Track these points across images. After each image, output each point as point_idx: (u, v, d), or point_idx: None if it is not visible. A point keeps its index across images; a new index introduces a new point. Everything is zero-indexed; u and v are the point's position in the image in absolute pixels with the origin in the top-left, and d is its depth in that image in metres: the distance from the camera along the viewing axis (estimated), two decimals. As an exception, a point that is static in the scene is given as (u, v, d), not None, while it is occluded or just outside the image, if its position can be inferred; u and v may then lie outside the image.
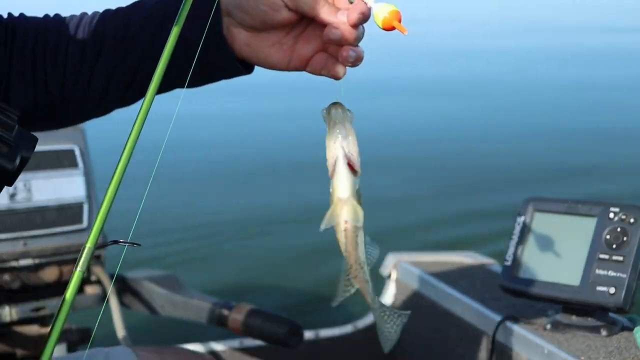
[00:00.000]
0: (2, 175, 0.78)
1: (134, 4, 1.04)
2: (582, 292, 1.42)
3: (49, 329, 1.36)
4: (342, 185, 0.71)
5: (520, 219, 1.53)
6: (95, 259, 1.73)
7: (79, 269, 0.72)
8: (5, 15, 0.92)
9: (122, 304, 1.69)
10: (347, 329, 1.96)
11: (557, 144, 5.31)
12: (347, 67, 0.85)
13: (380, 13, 0.77)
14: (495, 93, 7.85)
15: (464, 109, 6.75)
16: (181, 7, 0.79)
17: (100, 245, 1.09)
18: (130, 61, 0.99)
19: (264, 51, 0.92)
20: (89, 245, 0.74)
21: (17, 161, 0.79)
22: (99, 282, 1.69)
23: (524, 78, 8.80)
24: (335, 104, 0.76)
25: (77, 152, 1.73)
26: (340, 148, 0.72)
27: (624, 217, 1.42)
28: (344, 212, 0.71)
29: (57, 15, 1.13)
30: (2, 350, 1.65)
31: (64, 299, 0.71)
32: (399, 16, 0.77)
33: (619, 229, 1.40)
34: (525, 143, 5.38)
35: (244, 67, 0.96)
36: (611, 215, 1.42)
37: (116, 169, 0.76)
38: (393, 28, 0.76)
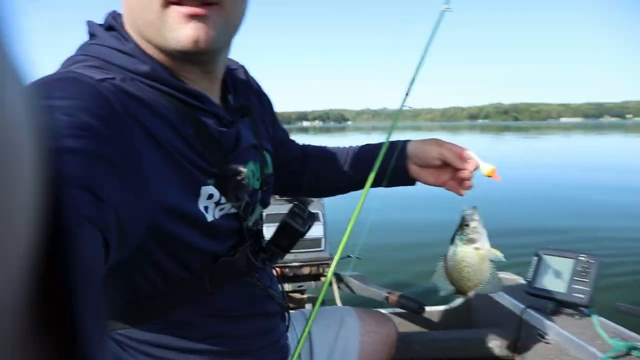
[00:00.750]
0: (300, 235, 1.11)
1: (361, 154, 1.38)
2: (567, 296, 2.14)
3: (305, 296, 2.69)
4: (485, 243, 1.23)
5: (535, 257, 2.30)
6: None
7: (331, 269, 1.34)
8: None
9: (338, 287, 2.61)
10: (446, 307, 2.72)
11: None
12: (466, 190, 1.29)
13: (485, 168, 1.24)
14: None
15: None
16: (380, 155, 1.25)
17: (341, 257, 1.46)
18: (360, 182, 1.35)
19: (424, 176, 1.33)
20: (335, 258, 1.34)
21: (307, 228, 1.11)
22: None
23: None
24: (474, 208, 1.24)
25: (321, 214, 2.61)
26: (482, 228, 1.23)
27: (587, 259, 2.20)
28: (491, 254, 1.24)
29: (322, 149, 1.46)
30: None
31: (324, 283, 1.36)
32: (495, 171, 1.24)
33: (585, 265, 2.18)
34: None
35: (412, 182, 1.36)
36: (581, 258, 2.21)
37: (348, 226, 1.30)
38: (490, 176, 1.23)
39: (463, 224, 1.24)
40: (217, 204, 0.91)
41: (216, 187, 0.90)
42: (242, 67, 1.15)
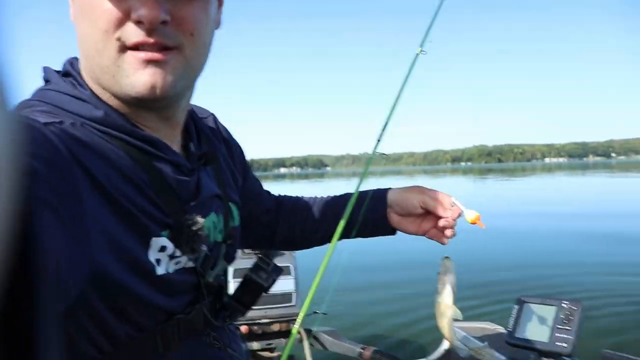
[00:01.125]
0: (263, 290, 1.09)
1: (339, 203, 1.35)
2: (549, 345, 2.08)
3: (275, 354, 2.58)
4: (448, 298, 1.20)
5: (516, 306, 2.24)
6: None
7: (296, 326, 1.32)
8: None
9: (310, 344, 2.52)
10: None
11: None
12: (448, 239, 1.27)
13: (469, 215, 1.22)
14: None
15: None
16: (349, 205, 1.24)
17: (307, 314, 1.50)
18: (330, 233, 1.33)
19: (405, 225, 1.32)
20: (300, 315, 1.32)
21: (271, 282, 1.10)
22: (299, 333, 2.50)
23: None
24: (447, 257, 1.22)
25: (292, 267, 2.58)
26: (449, 281, 1.20)
27: (570, 306, 2.12)
28: (450, 311, 1.21)
29: (297, 199, 1.43)
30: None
31: (288, 341, 1.32)
32: (480, 218, 1.22)
33: (567, 312, 2.11)
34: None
35: (392, 231, 1.35)
36: (563, 305, 2.14)
37: (315, 281, 1.29)
38: (475, 223, 1.21)
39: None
40: (172, 257, 0.87)
41: (170, 239, 0.86)
42: (212, 115, 1.14)
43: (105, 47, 0.76)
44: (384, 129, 1.39)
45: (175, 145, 0.95)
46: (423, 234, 1.29)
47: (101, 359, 0.80)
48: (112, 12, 0.75)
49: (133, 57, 0.77)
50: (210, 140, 1.06)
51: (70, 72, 0.85)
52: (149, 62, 0.77)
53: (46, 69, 0.87)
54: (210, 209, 0.98)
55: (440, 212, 1.23)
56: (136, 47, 0.77)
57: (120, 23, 0.76)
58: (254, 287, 1.08)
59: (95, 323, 0.79)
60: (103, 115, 0.79)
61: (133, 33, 0.76)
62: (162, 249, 0.85)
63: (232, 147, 1.18)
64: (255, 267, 1.10)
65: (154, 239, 0.84)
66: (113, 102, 0.83)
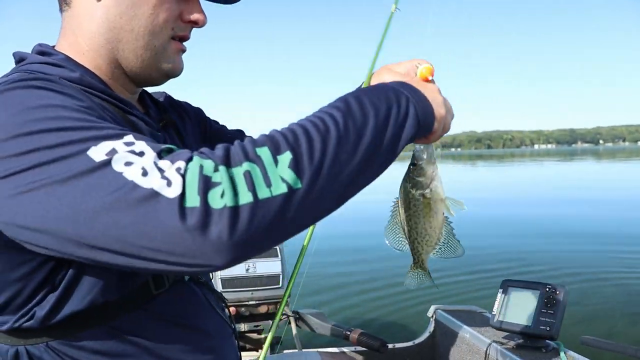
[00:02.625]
0: None
1: None
2: (534, 328, 2.15)
3: (262, 336, 2.61)
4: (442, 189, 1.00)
5: (501, 289, 2.29)
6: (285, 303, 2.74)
7: (280, 308, 1.14)
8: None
9: (297, 325, 2.55)
10: (409, 344, 2.71)
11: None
12: None
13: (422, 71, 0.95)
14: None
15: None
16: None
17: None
18: None
19: None
20: (285, 297, 1.15)
21: None
22: (286, 314, 2.56)
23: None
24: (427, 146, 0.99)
25: (278, 249, 2.57)
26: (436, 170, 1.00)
27: (553, 290, 2.17)
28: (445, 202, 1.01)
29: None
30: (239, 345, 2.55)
31: (273, 322, 1.14)
32: (431, 72, 0.94)
33: (551, 296, 2.16)
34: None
35: None
36: (547, 289, 2.19)
37: (297, 261, 1.14)
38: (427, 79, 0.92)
39: (410, 164, 1.02)
40: None
41: None
42: (164, 93, 1.24)
43: (161, 31, 0.95)
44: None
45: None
46: None
47: (104, 302, 0.85)
48: (175, 10, 0.96)
49: (175, 45, 0.98)
50: (166, 110, 1.16)
51: (42, 50, 0.95)
52: (182, 51, 1.00)
53: (17, 53, 0.97)
54: None
55: None
56: (181, 39, 0.99)
57: (175, 19, 0.97)
58: None
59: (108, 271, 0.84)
60: (79, 76, 0.89)
61: (184, 28, 0.99)
62: None
63: (189, 112, 1.27)
64: None
65: None
66: (103, 65, 0.96)
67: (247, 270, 2.52)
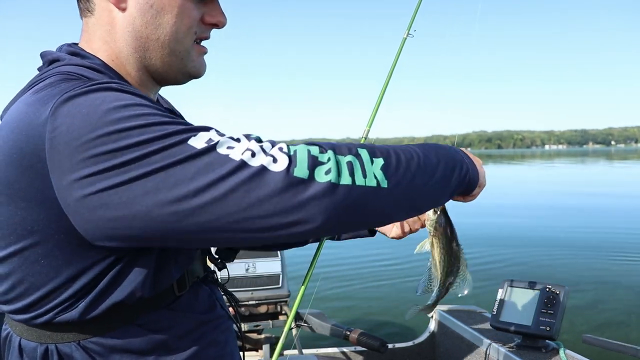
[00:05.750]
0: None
1: None
2: (533, 328, 2.16)
3: (262, 336, 2.59)
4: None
5: (501, 289, 2.29)
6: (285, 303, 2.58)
7: (289, 320, 1.09)
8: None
9: (297, 326, 2.53)
10: (409, 344, 2.72)
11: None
12: None
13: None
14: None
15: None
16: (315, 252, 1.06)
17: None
18: None
19: (384, 229, 1.47)
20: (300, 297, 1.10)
21: None
22: (286, 314, 2.55)
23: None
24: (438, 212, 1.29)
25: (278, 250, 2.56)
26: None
27: (553, 290, 2.18)
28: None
29: None
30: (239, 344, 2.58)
31: (282, 327, 1.26)
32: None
33: (551, 296, 2.16)
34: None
35: (372, 233, 1.48)
36: (547, 289, 2.19)
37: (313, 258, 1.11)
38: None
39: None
40: None
41: None
42: (163, 98, 1.25)
43: (185, 37, 0.98)
44: (374, 113, 1.37)
45: None
46: (404, 235, 1.41)
47: (138, 298, 0.88)
48: (197, 14, 0.99)
49: (198, 48, 1.02)
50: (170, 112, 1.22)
51: (76, 51, 0.97)
52: (204, 53, 1.04)
53: (48, 52, 0.98)
54: None
55: (415, 227, 1.39)
56: (201, 41, 1.02)
57: (198, 23, 1.00)
58: None
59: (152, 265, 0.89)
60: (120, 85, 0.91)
61: (206, 31, 1.02)
62: None
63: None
64: None
65: None
66: (132, 72, 0.99)
67: (247, 270, 2.52)
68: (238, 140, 0.76)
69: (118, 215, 0.74)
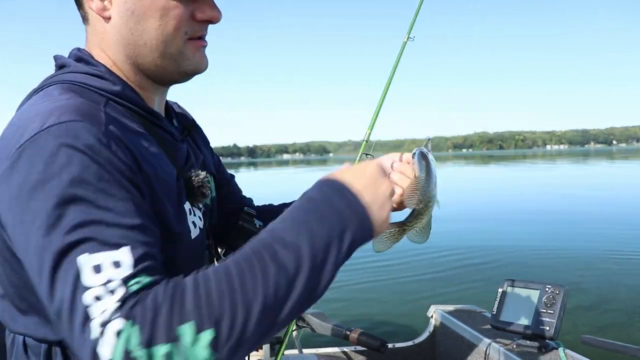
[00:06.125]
0: (254, 234, 0.94)
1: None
2: (533, 328, 2.15)
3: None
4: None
5: (500, 289, 2.29)
6: None
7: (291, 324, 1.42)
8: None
9: (297, 325, 2.50)
10: (409, 343, 2.71)
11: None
12: None
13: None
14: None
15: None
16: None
17: None
18: None
19: None
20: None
21: (259, 228, 1.26)
22: None
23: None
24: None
25: None
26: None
27: (553, 290, 2.17)
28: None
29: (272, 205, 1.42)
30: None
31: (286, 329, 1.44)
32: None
33: (551, 296, 2.16)
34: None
35: None
36: (547, 289, 2.18)
37: None
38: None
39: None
40: (194, 222, 1.00)
41: (189, 201, 1.01)
42: (176, 103, 1.25)
43: (174, 39, 0.95)
44: (376, 116, 1.39)
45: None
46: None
47: None
48: (184, 13, 0.95)
49: (192, 45, 0.97)
50: (184, 118, 1.21)
51: (82, 57, 0.98)
52: (202, 47, 1.00)
53: (59, 57, 1.00)
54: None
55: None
56: (199, 38, 0.98)
57: (187, 22, 0.96)
58: (245, 233, 1.23)
59: None
60: (121, 90, 0.93)
61: (199, 29, 0.98)
62: (190, 212, 0.99)
63: (198, 128, 1.29)
64: (244, 219, 1.26)
65: (186, 203, 0.98)
66: (131, 77, 0.99)
67: None
68: (113, 292, 0.68)
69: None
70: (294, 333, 2.54)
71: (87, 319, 0.67)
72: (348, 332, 2.34)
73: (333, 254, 0.75)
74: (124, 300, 0.68)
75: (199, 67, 1.02)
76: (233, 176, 1.41)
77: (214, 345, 0.67)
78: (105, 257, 0.70)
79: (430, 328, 2.74)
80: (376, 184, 0.84)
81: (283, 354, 2.14)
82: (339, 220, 0.77)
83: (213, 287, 0.70)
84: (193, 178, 1.02)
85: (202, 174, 1.03)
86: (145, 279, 0.70)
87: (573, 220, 10.83)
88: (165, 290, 0.69)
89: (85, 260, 0.69)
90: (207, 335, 0.67)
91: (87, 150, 0.77)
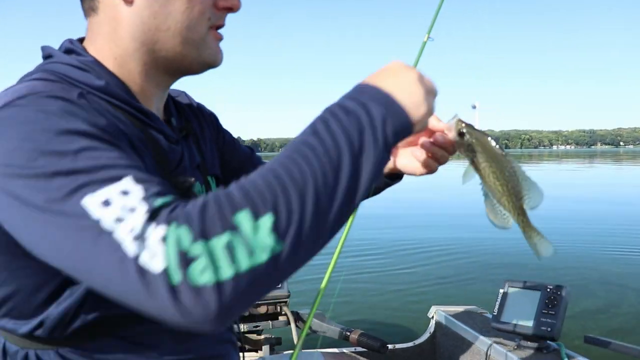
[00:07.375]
0: None
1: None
2: (534, 329, 2.14)
3: (262, 337, 2.57)
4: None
5: (501, 289, 2.28)
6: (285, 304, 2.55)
7: (309, 319, 1.12)
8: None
9: (297, 326, 2.50)
10: (410, 344, 2.71)
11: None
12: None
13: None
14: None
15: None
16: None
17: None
18: None
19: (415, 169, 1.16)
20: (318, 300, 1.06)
21: None
22: (286, 314, 2.51)
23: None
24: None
25: None
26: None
27: (555, 291, 2.16)
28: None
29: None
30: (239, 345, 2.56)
31: (300, 330, 1.47)
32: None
33: (552, 297, 2.15)
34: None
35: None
36: (548, 289, 2.18)
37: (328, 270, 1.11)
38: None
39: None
40: None
41: None
42: (183, 92, 1.23)
43: (198, 24, 0.93)
44: None
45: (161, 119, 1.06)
46: (435, 170, 1.17)
47: (115, 314, 0.85)
48: (208, 0, 0.94)
49: (213, 35, 0.97)
50: (187, 114, 1.16)
51: (72, 49, 0.95)
52: (220, 39, 0.98)
53: (46, 47, 0.96)
54: (193, 176, 1.03)
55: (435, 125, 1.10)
56: (216, 27, 0.96)
57: (210, 8, 0.95)
58: None
59: None
60: (104, 85, 0.89)
61: (220, 16, 0.98)
62: None
63: (206, 117, 1.25)
64: None
65: None
66: (133, 71, 0.95)
67: None
68: (132, 210, 0.63)
69: (10, 231, 0.73)
70: (294, 332, 2.49)
71: (116, 247, 0.60)
72: (348, 333, 2.34)
73: (369, 140, 0.71)
74: (152, 212, 0.62)
75: (217, 59, 1.00)
76: (253, 149, 1.38)
77: (277, 230, 0.62)
78: (109, 191, 0.64)
79: (431, 329, 2.73)
80: (406, 80, 0.81)
81: (284, 353, 2.11)
82: (364, 110, 0.74)
83: (258, 179, 0.65)
84: (180, 183, 0.96)
85: (190, 180, 0.97)
86: (166, 198, 0.65)
87: (576, 221, 10.80)
88: (203, 196, 0.64)
89: (89, 201, 0.64)
90: (266, 220, 0.62)
91: (61, 108, 0.74)
